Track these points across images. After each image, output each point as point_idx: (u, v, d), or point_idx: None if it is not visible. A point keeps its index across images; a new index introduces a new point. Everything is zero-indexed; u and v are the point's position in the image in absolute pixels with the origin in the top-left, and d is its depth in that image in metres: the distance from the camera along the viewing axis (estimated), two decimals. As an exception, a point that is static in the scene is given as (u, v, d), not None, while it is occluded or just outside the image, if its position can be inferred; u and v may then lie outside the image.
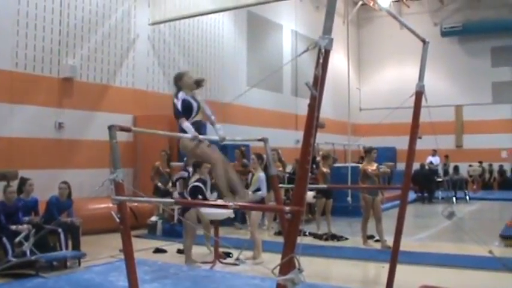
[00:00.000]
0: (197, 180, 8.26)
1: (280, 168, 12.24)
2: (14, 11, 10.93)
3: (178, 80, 5.80)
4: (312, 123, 3.28)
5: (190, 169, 8.89)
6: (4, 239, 7.26)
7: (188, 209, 8.08)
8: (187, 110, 5.58)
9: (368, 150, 10.40)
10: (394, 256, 5.88)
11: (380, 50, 27.19)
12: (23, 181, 8.43)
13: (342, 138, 19.01)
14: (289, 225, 3.41)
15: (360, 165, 11.31)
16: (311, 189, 10.16)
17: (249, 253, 8.51)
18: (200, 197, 8.07)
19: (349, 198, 12.66)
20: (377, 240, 9.98)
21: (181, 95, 5.64)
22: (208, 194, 8.35)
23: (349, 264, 8.33)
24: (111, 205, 4.85)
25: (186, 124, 5.42)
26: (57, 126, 11.69)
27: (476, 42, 25.06)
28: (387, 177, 16.19)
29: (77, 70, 12.14)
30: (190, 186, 8.25)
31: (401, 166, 17.81)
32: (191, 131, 5.33)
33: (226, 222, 11.36)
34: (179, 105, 5.57)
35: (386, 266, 5.99)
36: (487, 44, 24.91)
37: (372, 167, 10.06)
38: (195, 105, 5.65)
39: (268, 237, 10.73)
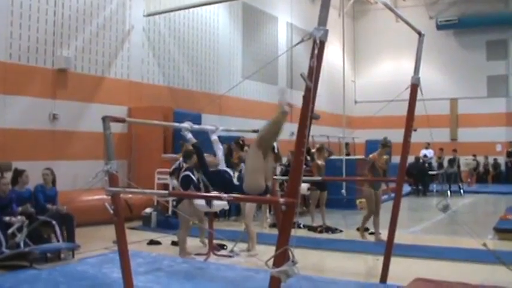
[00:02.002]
0: (187, 169, 8.12)
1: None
2: (8, 1, 10.82)
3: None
4: (307, 114, 3.27)
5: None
6: (-3, 231, 7.22)
7: (182, 201, 8.05)
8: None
9: (384, 144, 10.18)
10: (388, 249, 5.90)
11: (375, 43, 27.15)
12: (17, 172, 8.35)
13: (337, 131, 19.00)
14: (283, 217, 3.40)
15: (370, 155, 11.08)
16: (305, 182, 10.13)
17: (244, 245, 8.51)
18: (192, 186, 7.96)
19: (343, 191, 12.69)
20: (372, 233, 9.99)
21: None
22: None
23: (343, 257, 8.33)
24: (105, 197, 4.84)
25: None
26: (51, 117, 11.62)
27: (472, 36, 25.07)
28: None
29: (71, 61, 12.05)
30: (181, 176, 8.14)
31: (395, 159, 17.83)
32: None
33: (221, 214, 11.40)
34: None
35: (381, 258, 6.01)
36: (483, 37, 24.93)
37: (381, 161, 10.00)
38: None
39: (263, 229, 10.75)
